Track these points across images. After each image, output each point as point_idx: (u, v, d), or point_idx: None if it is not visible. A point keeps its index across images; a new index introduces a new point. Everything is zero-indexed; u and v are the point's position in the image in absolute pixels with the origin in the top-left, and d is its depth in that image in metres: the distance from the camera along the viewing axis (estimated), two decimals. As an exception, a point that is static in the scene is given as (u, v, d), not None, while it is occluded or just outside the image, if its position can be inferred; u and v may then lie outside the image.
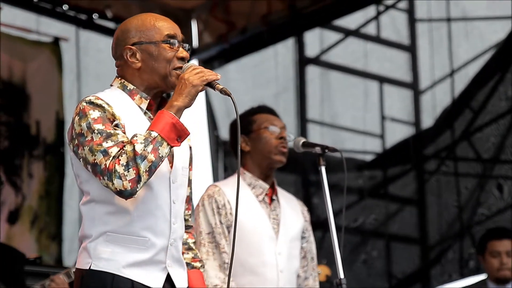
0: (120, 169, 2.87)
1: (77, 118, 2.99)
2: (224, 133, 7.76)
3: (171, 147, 2.95)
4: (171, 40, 3.13)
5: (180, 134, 2.96)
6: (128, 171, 2.87)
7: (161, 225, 3.05)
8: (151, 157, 2.89)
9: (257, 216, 4.17)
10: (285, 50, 8.09)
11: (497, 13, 7.35)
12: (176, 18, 7.87)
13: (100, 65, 7.38)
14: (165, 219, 3.06)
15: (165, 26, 3.15)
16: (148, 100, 3.12)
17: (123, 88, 3.14)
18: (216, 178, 7.74)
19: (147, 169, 2.89)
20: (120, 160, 2.88)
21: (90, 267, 3.01)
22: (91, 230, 3.03)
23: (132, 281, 3.00)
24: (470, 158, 7.37)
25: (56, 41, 7.39)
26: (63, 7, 7.22)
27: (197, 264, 3.33)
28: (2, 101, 7.07)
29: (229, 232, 4.12)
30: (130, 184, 2.88)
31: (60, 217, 7.25)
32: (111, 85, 3.17)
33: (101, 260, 3.00)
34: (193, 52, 8.03)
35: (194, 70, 3.04)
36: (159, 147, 2.91)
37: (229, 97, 3.01)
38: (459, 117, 7.44)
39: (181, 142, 2.98)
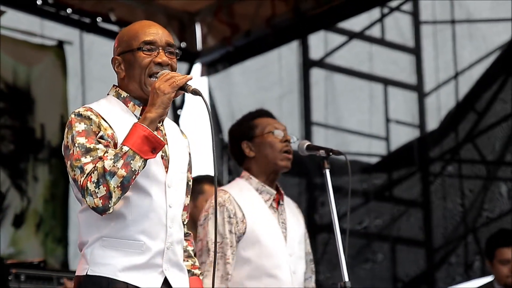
0: (91, 186, 2.90)
1: (66, 130, 3.03)
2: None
3: (145, 160, 2.94)
4: (146, 47, 3.11)
5: (154, 145, 2.95)
6: (99, 188, 2.89)
7: (156, 228, 3.05)
8: (122, 172, 2.89)
9: (267, 220, 4.17)
10: (289, 52, 8.08)
11: (501, 15, 7.34)
12: (180, 21, 7.92)
13: (104, 68, 7.37)
14: (160, 223, 3.06)
15: (145, 32, 3.15)
16: (141, 107, 3.13)
17: (118, 96, 3.16)
18: (220, 182, 7.74)
19: (119, 185, 2.90)
20: (92, 177, 2.90)
21: (87, 273, 3.02)
22: (87, 236, 3.05)
23: (127, 284, 3.00)
24: (474, 160, 7.36)
25: (60, 44, 7.40)
26: (67, 11, 7.22)
27: (197, 271, 3.34)
28: (6, 105, 7.08)
29: (237, 241, 4.11)
30: (101, 201, 2.90)
31: (66, 221, 7.25)
32: (108, 94, 3.19)
33: (98, 265, 3.01)
34: (197, 55, 8.04)
35: (164, 77, 3.02)
36: (131, 161, 2.91)
37: (201, 97, 3.01)
38: (463, 120, 7.43)
39: (157, 153, 2.98)
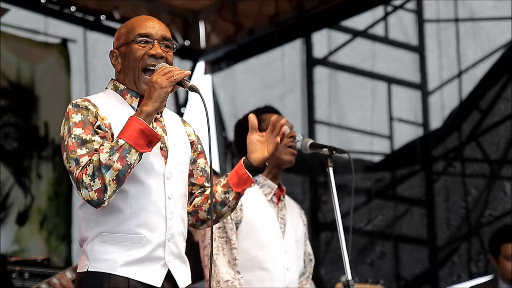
0: (86, 179, 2.89)
1: (63, 121, 3.02)
2: (232, 134, 7.76)
3: (141, 153, 2.94)
4: (141, 39, 3.11)
5: (150, 139, 2.94)
6: (94, 181, 2.88)
7: (156, 220, 3.04)
8: (117, 165, 2.89)
9: (265, 214, 4.18)
10: (292, 51, 8.09)
11: (504, 13, 7.33)
12: (184, 19, 7.93)
13: (108, 66, 7.28)
14: (160, 215, 3.05)
15: (141, 25, 3.15)
16: (138, 98, 3.13)
17: (115, 89, 3.15)
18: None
19: (114, 178, 2.89)
20: (87, 170, 2.89)
21: (88, 269, 3.01)
22: (87, 232, 3.04)
23: (128, 279, 2.99)
24: (478, 159, 7.36)
25: (64, 42, 7.41)
26: (71, 9, 7.24)
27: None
28: (10, 103, 7.09)
29: (237, 228, 4.12)
30: (96, 194, 2.89)
31: (69, 218, 7.26)
32: (106, 88, 3.19)
33: (98, 261, 3.00)
34: (200, 53, 8.04)
35: (162, 71, 3.01)
36: (127, 155, 2.90)
37: (199, 94, 3.01)
38: (467, 118, 7.43)
39: (152, 147, 2.97)
